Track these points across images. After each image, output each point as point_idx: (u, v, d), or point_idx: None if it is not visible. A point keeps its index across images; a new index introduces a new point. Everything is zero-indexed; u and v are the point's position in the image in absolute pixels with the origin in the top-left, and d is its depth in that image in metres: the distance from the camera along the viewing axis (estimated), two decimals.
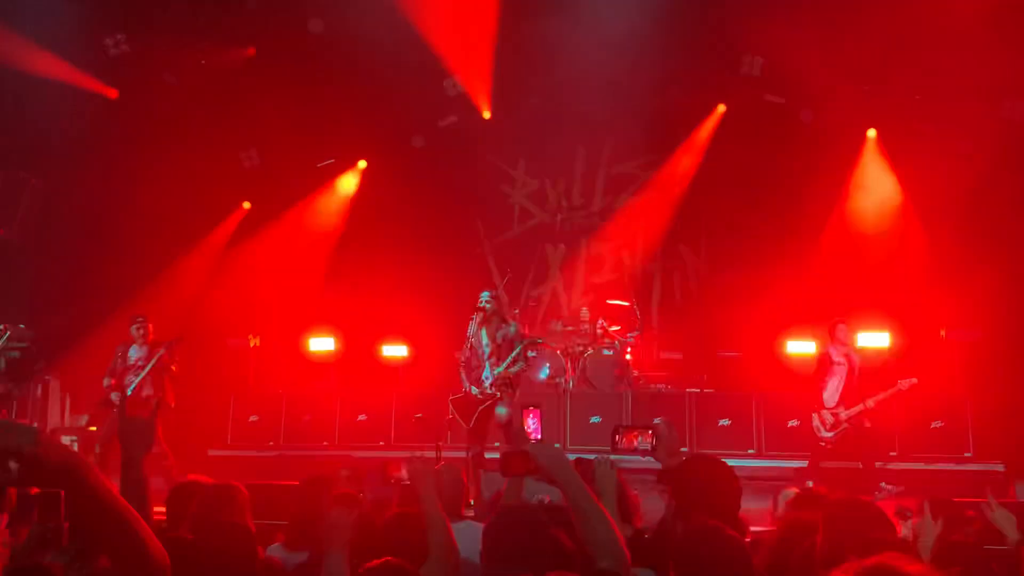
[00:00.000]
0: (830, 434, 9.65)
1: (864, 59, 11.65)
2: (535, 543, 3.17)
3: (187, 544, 3.30)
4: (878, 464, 9.64)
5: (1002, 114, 11.53)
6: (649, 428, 3.05)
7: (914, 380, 9.44)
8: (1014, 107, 11.50)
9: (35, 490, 1.95)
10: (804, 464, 9.93)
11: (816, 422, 9.76)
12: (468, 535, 3.77)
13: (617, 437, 3.08)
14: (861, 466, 9.55)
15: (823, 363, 9.94)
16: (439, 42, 12.23)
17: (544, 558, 3.08)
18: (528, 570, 2.92)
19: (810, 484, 8.68)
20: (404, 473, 3.64)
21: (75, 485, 2.04)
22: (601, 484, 3.24)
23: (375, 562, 2.97)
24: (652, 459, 3.00)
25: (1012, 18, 10.35)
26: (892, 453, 10.34)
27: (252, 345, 12.90)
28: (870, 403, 9.53)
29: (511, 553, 3.08)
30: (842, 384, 9.72)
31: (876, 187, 12.64)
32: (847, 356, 9.84)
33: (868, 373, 10.04)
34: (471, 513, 6.07)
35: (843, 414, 9.63)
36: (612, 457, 3.32)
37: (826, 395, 9.76)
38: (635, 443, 3.04)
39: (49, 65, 11.33)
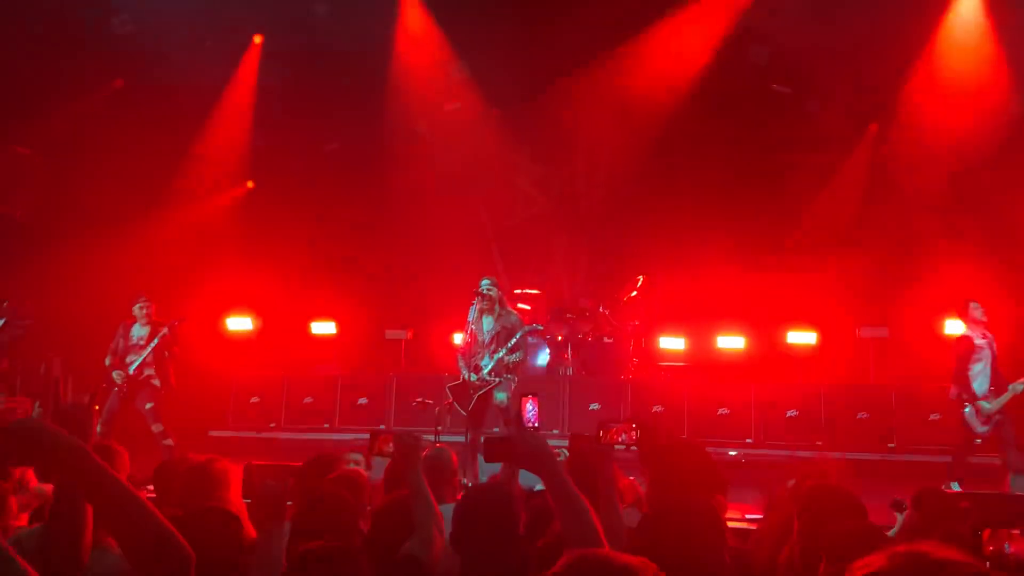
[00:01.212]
0: (985, 428, 8.62)
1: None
2: (498, 523, 3.17)
3: (178, 521, 3.33)
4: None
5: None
6: (633, 422, 3.08)
7: None
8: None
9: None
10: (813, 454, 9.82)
11: (972, 419, 8.65)
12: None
13: (601, 433, 3.10)
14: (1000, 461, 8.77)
15: (966, 347, 8.78)
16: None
17: (505, 537, 3.10)
18: (489, 548, 2.93)
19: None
20: (391, 448, 3.63)
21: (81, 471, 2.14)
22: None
23: (312, 544, 2.95)
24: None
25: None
26: (891, 445, 10.38)
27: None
28: (1018, 387, 8.54)
29: (474, 531, 3.11)
30: (989, 367, 8.71)
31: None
32: (985, 336, 8.82)
33: None
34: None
35: (994, 405, 8.61)
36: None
37: (976, 384, 8.67)
38: (619, 438, 3.07)
39: None
